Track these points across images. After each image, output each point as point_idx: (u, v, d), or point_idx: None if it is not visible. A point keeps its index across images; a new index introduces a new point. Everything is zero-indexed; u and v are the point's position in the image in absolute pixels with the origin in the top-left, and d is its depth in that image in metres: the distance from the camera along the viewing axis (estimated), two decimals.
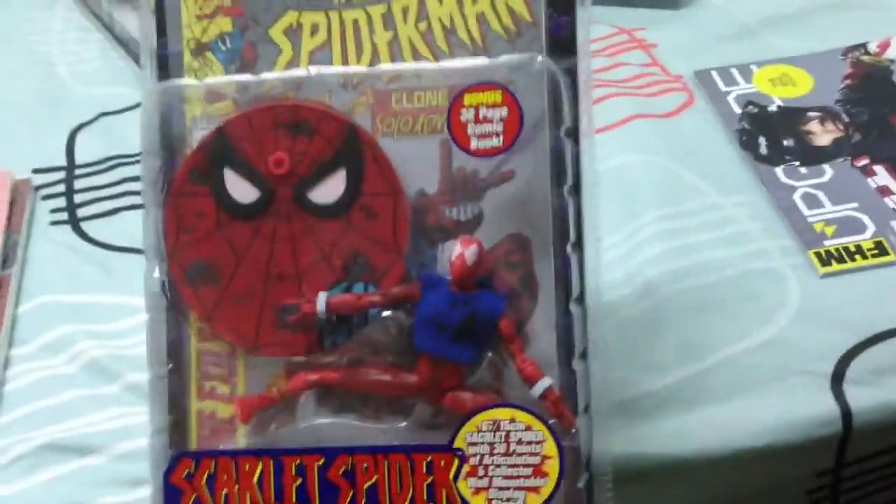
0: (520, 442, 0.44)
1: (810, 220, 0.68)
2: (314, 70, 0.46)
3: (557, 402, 0.44)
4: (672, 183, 0.71)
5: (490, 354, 0.45)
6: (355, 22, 0.46)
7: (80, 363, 0.61)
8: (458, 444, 0.44)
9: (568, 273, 0.45)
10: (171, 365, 0.46)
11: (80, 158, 0.77)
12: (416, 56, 0.46)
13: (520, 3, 0.45)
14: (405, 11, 0.46)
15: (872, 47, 0.82)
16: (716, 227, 0.68)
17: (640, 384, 0.58)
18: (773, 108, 0.77)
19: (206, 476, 0.44)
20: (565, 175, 0.44)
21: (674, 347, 0.60)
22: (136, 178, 0.74)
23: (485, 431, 0.44)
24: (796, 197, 0.69)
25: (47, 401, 0.59)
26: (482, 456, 0.44)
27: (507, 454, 0.44)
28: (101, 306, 0.64)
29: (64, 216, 0.72)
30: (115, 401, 0.58)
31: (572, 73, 0.44)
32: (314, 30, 0.46)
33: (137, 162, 0.75)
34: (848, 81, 0.79)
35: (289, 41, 0.46)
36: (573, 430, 0.44)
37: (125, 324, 0.63)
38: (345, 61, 0.46)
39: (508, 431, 0.44)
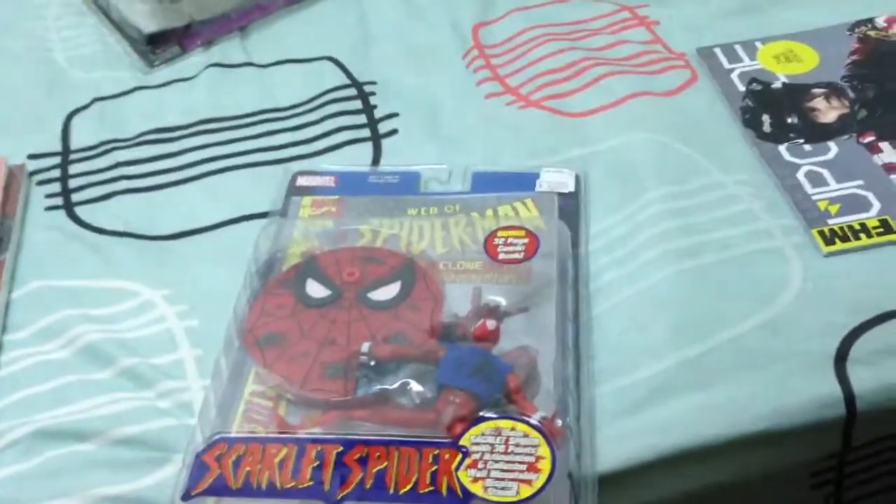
0: (517, 444, 0.50)
1: (814, 198, 0.66)
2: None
3: (551, 423, 0.51)
4: (673, 161, 0.70)
5: (501, 397, 0.53)
6: (420, 226, 0.65)
7: (74, 348, 0.60)
8: (463, 442, 0.50)
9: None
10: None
11: (74, 143, 0.77)
12: (462, 244, 0.64)
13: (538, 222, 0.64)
14: (457, 224, 0.65)
15: (880, 22, 0.81)
16: (718, 206, 0.67)
17: (638, 368, 0.57)
18: (777, 84, 0.76)
19: (234, 457, 0.50)
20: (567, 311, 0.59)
21: (673, 329, 0.59)
22: (130, 163, 0.74)
23: (487, 435, 0.50)
24: (800, 175, 0.68)
25: (41, 386, 0.58)
26: (483, 453, 0.50)
27: (505, 453, 0.49)
28: (96, 291, 0.64)
29: (59, 201, 0.71)
30: (110, 386, 0.58)
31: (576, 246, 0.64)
32: (390, 226, 0.65)
33: (131, 146, 0.76)
34: (854, 57, 0.78)
35: (371, 231, 0.65)
36: (565, 440, 0.51)
37: (119, 308, 0.63)
38: (408, 244, 0.64)
39: (508, 436, 0.50)
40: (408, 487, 0.48)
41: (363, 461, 0.49)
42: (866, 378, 0.56)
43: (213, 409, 0.55)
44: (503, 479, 0.48)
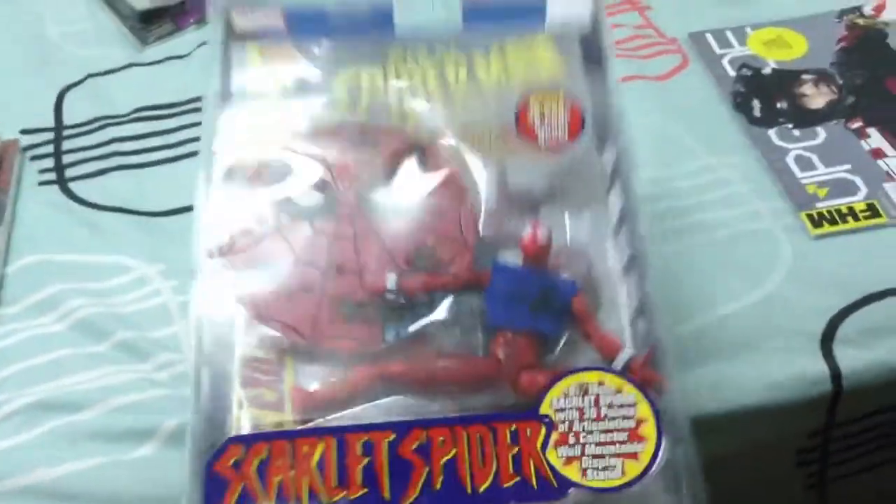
0: (610, 406, 0.40)
1: (803, 181, 0.67)
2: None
3: (644, 367, 0.41)
4: (665, 144, 0.71)
5: (568, 333, 0.43)
6: (410, 77, 0.50)
7: (69, 322, 0.60)
8: (543, 410, 0.40)
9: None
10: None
11: (67, 119, 0.76)
12: (464, 102, 0.49)
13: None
14: (457, 70, 0.50)
15: (868, 10, 0.82)
16: (708, 188, 0.68)
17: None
18: (767, 70, 0.77)
19: (256, 463, 0.39)
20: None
21: (664, 308, 0.60)
22: (123, 139, 0.74)
23: (572, 396, 0.40)
24: (789, 159, 0.69)
25: (37, 359, 0.58)
26: (571, 422, 0.40)
27: (598, 419, 0.40)
28: (90, 265, 0.64)
29: (52, 176, 0.71)
30: (105, 359, 0.58)
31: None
32: (370, 80, 0.50)
33: (124, 122, 0.76)
34: (843, 44, 0.79)
35: (348, 96, 0.49)
36: (666, 392, 0.41)
37: (114, 282, 0.63)
38: (401, 112, 0.49)
39: (598, 395, 0.40)
40: (488, 481, 0.39)
41: (425, 451, 0.39)
42: (852, 357, 0.58)
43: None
44: (603, 456, 0.39)
